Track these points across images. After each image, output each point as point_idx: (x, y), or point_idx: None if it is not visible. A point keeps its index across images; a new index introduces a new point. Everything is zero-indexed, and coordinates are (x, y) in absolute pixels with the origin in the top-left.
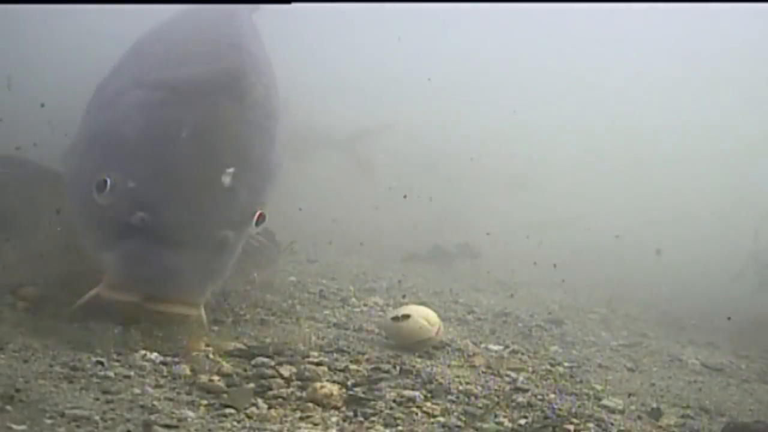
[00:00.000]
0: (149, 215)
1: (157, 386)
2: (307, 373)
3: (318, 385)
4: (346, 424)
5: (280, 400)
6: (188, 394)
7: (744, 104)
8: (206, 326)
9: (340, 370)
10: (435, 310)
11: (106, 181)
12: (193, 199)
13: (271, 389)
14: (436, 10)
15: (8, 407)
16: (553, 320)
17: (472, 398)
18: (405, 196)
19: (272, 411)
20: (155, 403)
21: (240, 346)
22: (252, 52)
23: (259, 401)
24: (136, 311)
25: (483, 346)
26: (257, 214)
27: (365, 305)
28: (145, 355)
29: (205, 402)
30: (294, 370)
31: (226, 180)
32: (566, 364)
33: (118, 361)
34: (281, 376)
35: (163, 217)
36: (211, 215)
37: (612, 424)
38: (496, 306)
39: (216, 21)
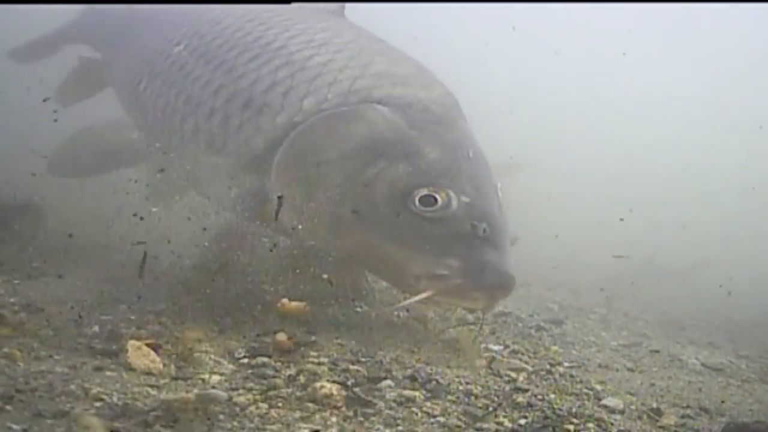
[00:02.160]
0: (488, 226)
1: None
2: (307, 373)
3: (318, 385)
4: (346, 424)
5: (281, 400)
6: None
7: None
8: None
9: (341, 370)
10: None
11: (434, 197)
12: (502, 208)
13: (271, 389)
14: None
15: (8, 407)
16: (553, 320)
17: (472, 398)
18: None
19: (273, 411)
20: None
21: (242, 345)
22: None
23: (260, 401)
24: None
25: (483, 346)
26: None
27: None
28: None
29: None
30: (294, 369)
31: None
32: (566, 364)
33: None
34: (281, 376)
35: (497, 227)
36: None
37: (612, 424)
38: (496, 306)
39: (355, 32)
